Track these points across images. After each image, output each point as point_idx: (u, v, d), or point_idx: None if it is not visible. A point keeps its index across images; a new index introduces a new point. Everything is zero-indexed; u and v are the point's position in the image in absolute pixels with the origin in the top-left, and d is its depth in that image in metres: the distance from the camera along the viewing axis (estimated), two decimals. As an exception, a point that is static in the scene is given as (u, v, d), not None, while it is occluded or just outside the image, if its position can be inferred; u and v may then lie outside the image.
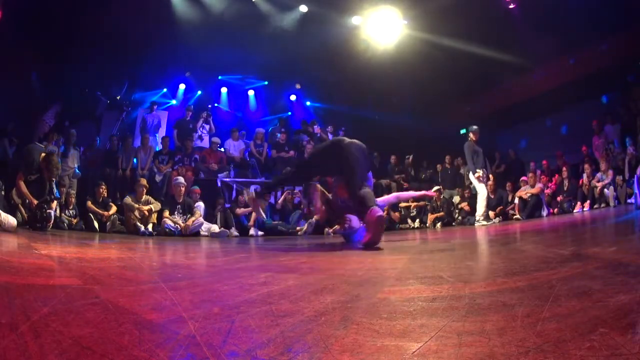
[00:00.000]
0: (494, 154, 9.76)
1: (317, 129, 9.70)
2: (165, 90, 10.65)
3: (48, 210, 4.58)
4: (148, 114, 9.46)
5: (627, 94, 8.31)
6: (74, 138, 7.37)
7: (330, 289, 1.54)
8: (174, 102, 10.66)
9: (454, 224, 7.65)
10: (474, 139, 7.06)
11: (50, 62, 8.20)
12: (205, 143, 9.01)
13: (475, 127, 7.18)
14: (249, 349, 0.88)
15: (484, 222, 6.64)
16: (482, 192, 6.81)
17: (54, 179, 4.81)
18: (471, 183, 8.84)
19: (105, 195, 6.34)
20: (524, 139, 10.09)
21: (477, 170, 6.84)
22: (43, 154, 4.78)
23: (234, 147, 9.03)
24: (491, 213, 7.55)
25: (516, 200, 7.35)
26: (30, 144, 5.02)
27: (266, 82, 11.47)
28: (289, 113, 11.88)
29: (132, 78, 9.86)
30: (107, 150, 8.00)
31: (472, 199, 8.12)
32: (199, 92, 10.93)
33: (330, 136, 9.86)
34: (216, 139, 8.77)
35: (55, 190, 4.84)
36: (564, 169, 7.93)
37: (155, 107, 9.60)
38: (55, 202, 4.97)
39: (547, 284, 1.34)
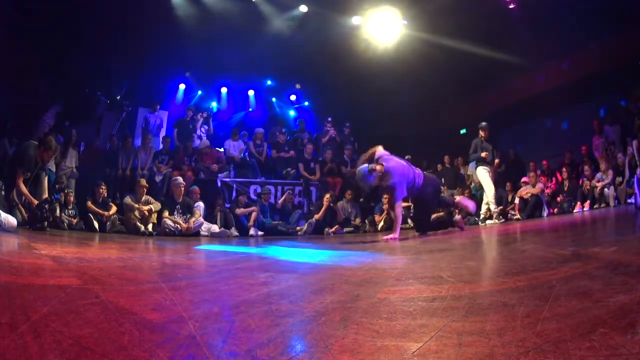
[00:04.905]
0: (494, 154, 9.74)
1: (332, 131, 9.69)
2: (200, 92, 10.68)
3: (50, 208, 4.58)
4: (151, 114, 9.45)
5: (628, 95, 8.31)
6: (74, 138, 7.37)
7: (330, 289, 1.54)
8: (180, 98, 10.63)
9: (454, 224, 7.64)
10: (483, 136, 6.98)
11: (50, 62, 8.19)
12: (202, 144, 9.01)
13: (484, 124, 7.08)
14: (249, 349, 0.88)
15: (497, 221, 6.62)
16: (486, 189, 6.77)
17: (51, 160, 4.78)
18: (472, 182, 8.86)
19: (105, 195, 6.33)
20: (550, 134, 10.02)
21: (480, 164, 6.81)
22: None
23: (234, 147, 9.03)
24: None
25: (516, 200, 7.34)
26: (26, 142, 5.02)
27: (269, 82, 11.48)
28: (292, 112, 11.86)
29: (132, 78, 9.85)
30: (107, 150, 8.00)
31: (472, 199, 8.11)
32: (199, 92, 10.93)
33: (330, 129, 9.81)
34: (206, 142, 8.75)
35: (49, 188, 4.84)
36: (564, 169, 7.92)
37: (158, 107, 9.59)
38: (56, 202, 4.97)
39: (547, 284, 1.34)
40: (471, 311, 1.10)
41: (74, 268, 2.02)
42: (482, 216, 6.85)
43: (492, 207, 6.69)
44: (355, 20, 9.39)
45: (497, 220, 6.58)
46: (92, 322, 1.04)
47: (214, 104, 11.04)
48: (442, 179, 9.08)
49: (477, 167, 6.89)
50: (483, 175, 6.77)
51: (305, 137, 9.68)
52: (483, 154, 6.70)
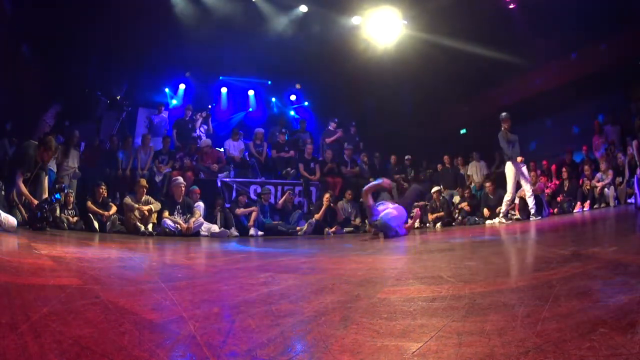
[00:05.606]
0: (494, 154, 9.76)
1: (339, 132, 9.75)
2: (167, 90, 10.66)
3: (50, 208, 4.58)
4: (155, 115, 9.45)
5: (627, 95, 8.32)
6: (76, 139, 7.35)
7: (330, 289, 1.54)
8: (174, 102, 10.66)
9: (454, 224, 7.64)
10: (506, 127, 6.69)
11: (50, 62, 8.19)
12: (204, 143, 9.02)
13: (504, 114, 6.78)
14: (249, 349, 0.88)
15: (503, 220, 6.49)
16: (508, 190, 6.53)
17: (52, 161, 4.78)
18: (471, 182, 8.86)
19: (105, 195, 6.33)
20: (533, 141, 9.98)
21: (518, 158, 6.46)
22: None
23: (234, 147, 9.03)
24: (486, 211, 7.53)
25: (516, 200, 7.33)
26: (26, 142, 5.02)
27: (269, 82, 11.49)
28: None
29: (132, 78, 9.85)
30: (107, 150, 8.00)
31: (472, 199, 8.11)
32: (199, 93, 10.94)
33: (337, 131, 9.85)
34: (207, 141, 8.76)
35: (49, 189, 4.84)
36: (564, 169, 7.92)
37: (162, 108, 9.59)
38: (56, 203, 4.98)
39: (547, 284, 1.34)
40: (471, 311, 1.10)
41: (74, 268, 2.02)
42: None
43: (504, 207, 6.57)
44: (355, 20, 9.39)
45: (503, 220, 6.51)
46: (92, 322, 1.04)
47: (213, 104, 11.05)
48: (442, 179, 9.09)
49: (506, 162, 6.62)
50: (509, 172, 6.57)
51: (307, 137, 9.69)
52: (519, 159, 6.49)
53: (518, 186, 7.49)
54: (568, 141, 9.04)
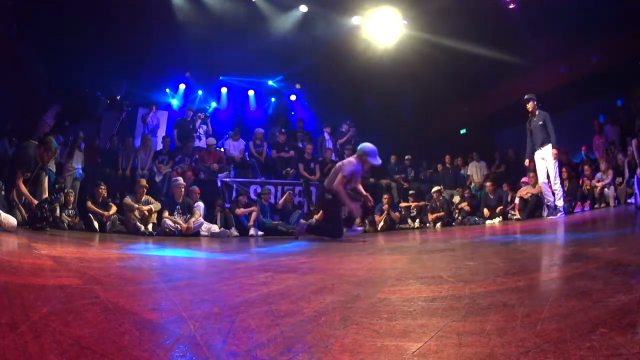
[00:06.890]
0: (494, 154, 9.77)
1: (351, 132, 9.79)
2: (168, 90, 10.67)
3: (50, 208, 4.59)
4: (147, 114, 9.47)
5: (627, 94, 8.32)
6: (81, 140, 7.35)
7: (330, 289, 1.54)
8: (174, 102, 10.66)
9: (454, 224, 7.65)
10: (529, 110, 6.24)
11: (50, 62, 8.19)
12: (203, 143, 9.03)
13: (526, 96, 6.25)
14: (249, 349, 0.88)
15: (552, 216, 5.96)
16: (551, 179, 6.01)
17: (51, 161, 4.80)
18: (471, 182, 8.85)
19: (105, 195, 6.33)
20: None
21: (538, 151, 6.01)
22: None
23: (234, 147, 9.04)
24: (486, 211, 7.50)
25: (516, 200, 7.34)
26: (26, 142, 5.03)
27: (270, 82, 11.49)
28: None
29: (132, 78, 9.86)
30: (107, 150, 7.99)
31: (472, 199, 8.12)
32: (199, 92, 10.95)
33: (349, 131, 9.90)
34: (212, 140, 8.77)
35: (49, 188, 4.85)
36: (564, 169, 7.92)
37: (154, 107, 9.60)
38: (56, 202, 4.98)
39: (547, 284, 1.34)
40: (471, 311, 1.10)
41: (74, 268, 2.02)
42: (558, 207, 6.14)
43: (545, 198, 6.03)
44: (355, 20, 9.39)
45: (550, 216, 5.98)
46: (92, 322, 1.04)
47: (213, 104, 11.05)
48: (442, 179, 9.10)
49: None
50: (537, 163, 6.21)
51: (304, 137, 9.68)
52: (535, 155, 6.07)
53: (518, 186, 7.49)
54: (568, 141, 9.03)
